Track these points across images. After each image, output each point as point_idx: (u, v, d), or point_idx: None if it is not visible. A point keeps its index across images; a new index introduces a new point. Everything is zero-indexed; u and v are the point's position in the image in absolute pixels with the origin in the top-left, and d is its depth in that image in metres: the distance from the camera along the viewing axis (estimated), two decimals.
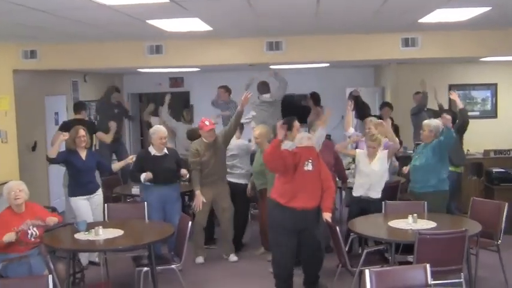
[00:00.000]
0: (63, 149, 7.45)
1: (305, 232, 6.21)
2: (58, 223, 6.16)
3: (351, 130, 8.06)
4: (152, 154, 7.28)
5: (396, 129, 9.31)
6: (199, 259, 7.77)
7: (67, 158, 7.28)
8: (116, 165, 7.77)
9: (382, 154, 7.09)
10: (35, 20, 6.29)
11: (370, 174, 7.05)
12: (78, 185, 7.29)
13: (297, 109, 10.85)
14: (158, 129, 7.39)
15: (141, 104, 15.29)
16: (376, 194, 7.04)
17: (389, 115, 9.77)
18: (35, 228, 5.92)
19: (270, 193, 6.32)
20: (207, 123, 7.55)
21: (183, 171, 7.37)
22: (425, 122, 7.33)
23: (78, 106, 9.76)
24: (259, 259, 7.69)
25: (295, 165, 6.05)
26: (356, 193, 7.17)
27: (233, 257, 7.85)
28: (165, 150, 7.34)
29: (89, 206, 7.27)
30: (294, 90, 12.41)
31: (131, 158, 7.44)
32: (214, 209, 7.83)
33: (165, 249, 7.08)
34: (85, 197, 7.28)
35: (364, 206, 7.00)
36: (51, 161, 7.38)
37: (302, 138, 6.26)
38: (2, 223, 5.77)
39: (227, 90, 9.93)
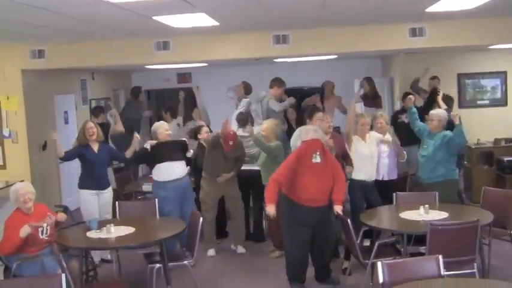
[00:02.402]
0: (70, 147, 7.50)
1: (318, 226, 6.21)
2: (65, 224, 6.18)
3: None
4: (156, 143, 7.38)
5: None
6: (211, 252, 7.82)
7: (79, 152, 7.32)
8: (128, 151, 7.68)
9: (369, 134, 7.12)
10: (40, 19, 6.30)
11: (370, 151, 7.04)
12: (90, 178, 7.32)
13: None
14: (160, 124, 7.57)
15: (149, 101, 15.30)
16: (374, 174, 7.07)
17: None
18: (47, 226, 5.93)
19: (282, 189, 6.28)
20: (230, 143, 7.63)
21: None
22: (434, 112, 7.30)
23: (97, 110, 10.19)
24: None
25: (303, 159, 6.04)
26: (360, 176, 7.01)
27: (241, 249, 7.90)
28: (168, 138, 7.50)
29: (96, 202, 7.30)
30: (303, 83, 12.44)
31: (137, 137, 7.54)
32: (226, 202, 7.90)
33: (177, 245, 7.09)
34: (94, 191, 7.31)
35: (367, 190, 6.99)
36: (63, 159, 7.42)
37: (308, 131, 6.23)
38: (14, 225, 5.78)
39: (245, 86, 9.86)
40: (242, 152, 7.92)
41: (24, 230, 5.70)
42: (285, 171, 6.08)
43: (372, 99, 10.51)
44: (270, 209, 6.01)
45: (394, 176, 7.43)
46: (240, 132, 8.26)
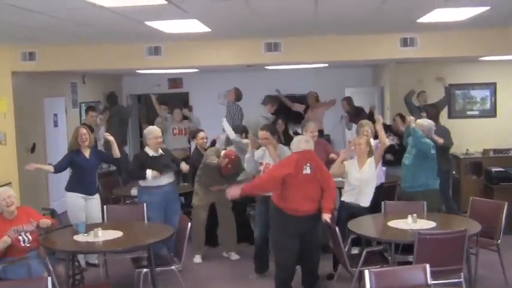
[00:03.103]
0: (64, 152, 7.47)
1: (306, 235, 6.24)
2: (52, 226, 6.13)
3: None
4: (150, 155, 7.26)
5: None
6: (197, 259, 7.78)
7: (71, 160, 7.29)
8: (114, 152, 7.59)
9: (370, 160, 6.78)
10: (32, 21, 6.28)
11: (361, 180, 6.72)
12: (79, 182, 7.30)
13: (288, 111, 11.04)
14: (153, 129, 7.42)
15: (140, 105, 15.31)
16: (366, 201, 6.73)
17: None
18: (27, 234, 5.91)
19: (272, 197, 6.30)
20: (229, 166, 7.54)
21: (184, 166, 7.44)
22: (419, 121, 7.39)
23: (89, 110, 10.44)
24: None
25: (295, 172, 6.05)
26: (346, 199, 6.83)
27: (234, 256, 7.86)
28: (160, 151, 7.33)
29: (83, 206, 7.25)
30: (294, 90, 12.46)
31: (107, 135, 7.57)
32: (216, 209, 7.88)
33: (165, 249, 7.07)
34: (82, 195, 7.27)
35: (353, 212, 6.71)
36: (58, 171, 7.37)
37: (300, 142, 6.18)
38: None
39: (236, 93, 9.90)
40: (239, 168, 7.76)
41: (4, 243, 5.66)
42: (283, 171, 6.07)
43: (355, 116, 10.59)
44: (234, 191, 6.19)
45: (381, 180, 7.41)
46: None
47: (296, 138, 6.38)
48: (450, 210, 8.79)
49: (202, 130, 8.52)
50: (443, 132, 8.54)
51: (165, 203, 7.25)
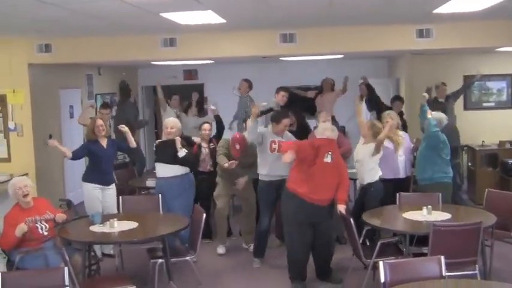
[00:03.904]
0: (79, 143, 7.52)
1: (319, 225, 6.25)
2: (67, 220, 6.20)
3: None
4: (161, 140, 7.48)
5: (404, 125, 9.20)
6: (220, 249, 7.80)
7: (89, 149, 7.36)
8: (130, 142, 7.59)
9: (371, 145, 6.91)
10: (48, 14, 6.31)
11: (357, 156, 7.04)
12: (96, 173, 7.37)
13: (303, 102, 10.91)
14: (166, 121, 7.59)
15: (156, 96, 15.35)
16: (366, 179, 6.95)
17: (400, 109, 9.76)
18: (43, 222, 5.98)
19: (287, 183, 6.32)
20: (237, 146, 7.49)
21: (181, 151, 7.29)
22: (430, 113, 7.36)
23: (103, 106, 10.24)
24: (273, 251, 7.68)
25: (315, 156, 6.06)
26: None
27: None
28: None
29: (100, 196, 7.32)
30: (309, 81, 12.44)
31: (122, 126, 7.56)
32: (240, 199, 7.94)
33: (177, 241, 7.10)
34: (99, 186, 7.34)
35: (363, 193, 7.00)
36: (74, 159, 7.41)
37: (325, 129, 6.24)
38: (11, 222, 5.81)
39: (248, 83, 9.83)
40: (250, 149, 7.59)
41: (20, 229, 5.73)
42: (307, 149, 6.14)
43: (369, 103, 10.47)
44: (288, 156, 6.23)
45: (407, 173, 7.58)
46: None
47: (322, 125, 6.47)
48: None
49: (208, 122, 8.51)
50: (452, 132, 8.45)
51: (163, 197, 7.15)
